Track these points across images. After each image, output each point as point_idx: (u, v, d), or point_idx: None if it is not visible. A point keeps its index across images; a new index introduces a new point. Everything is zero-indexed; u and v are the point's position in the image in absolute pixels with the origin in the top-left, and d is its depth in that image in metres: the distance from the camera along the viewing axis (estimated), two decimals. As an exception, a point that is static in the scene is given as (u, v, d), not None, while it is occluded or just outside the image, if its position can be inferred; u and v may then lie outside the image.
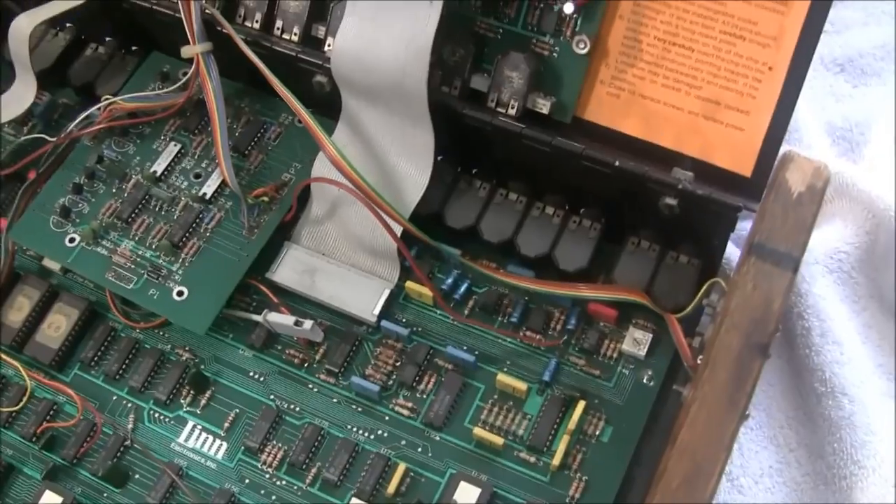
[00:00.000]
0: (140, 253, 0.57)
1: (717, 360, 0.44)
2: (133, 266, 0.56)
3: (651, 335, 0.54)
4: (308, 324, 0.53)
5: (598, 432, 0.52)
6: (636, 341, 0.54)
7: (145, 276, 0.56)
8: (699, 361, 0.46)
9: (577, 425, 0.52)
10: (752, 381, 0.44)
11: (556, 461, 0.51)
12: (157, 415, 0.55)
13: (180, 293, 0.55)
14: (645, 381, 0.53)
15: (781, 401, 0.57)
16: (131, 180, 0.59)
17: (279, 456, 0.53)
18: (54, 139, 0.60)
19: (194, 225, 0.57)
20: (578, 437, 0.52)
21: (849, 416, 0.54)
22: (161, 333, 0.57)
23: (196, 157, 0.60)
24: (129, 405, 0.55)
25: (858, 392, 0.55)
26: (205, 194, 0.58)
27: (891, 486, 0.52)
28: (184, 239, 0.56)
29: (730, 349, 0.44)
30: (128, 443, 0.54)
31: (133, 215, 0.58)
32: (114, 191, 0.59)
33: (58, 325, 0.56)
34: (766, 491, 0.54)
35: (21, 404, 0.55)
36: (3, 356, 0.56)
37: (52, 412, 0.55)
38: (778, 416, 0.57)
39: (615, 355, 0.54)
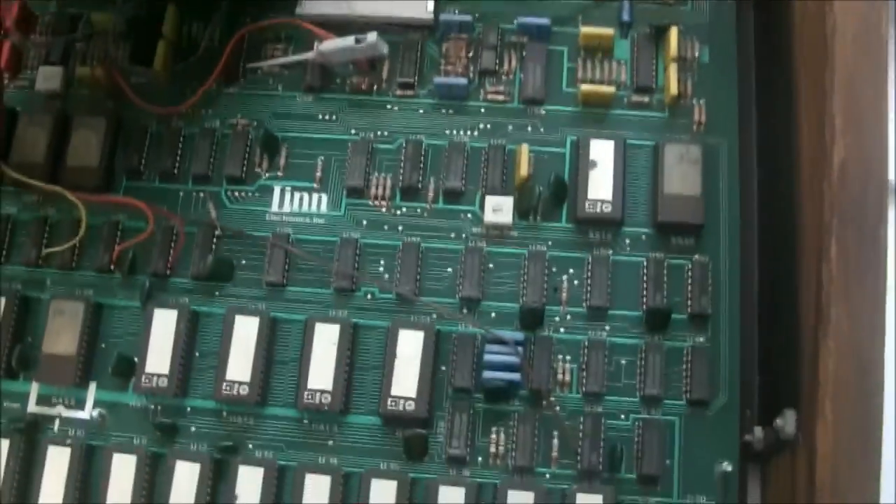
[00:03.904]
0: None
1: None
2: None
3: (712, -56, 0.51)
4: (372, 35, 0.48)
5: (697, 54, 0.50)
6: (698, -43, 0.51)
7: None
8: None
9: (678, 52, 0.49)
10: None
11: (672, 92, 0.48)
12: (236, 193, 0.49)
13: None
14: (721, -7, 0.51)
15: None
16: None
17: (388, 185, 0.48)
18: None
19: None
20: (681, 65, 0.49)
21: None
22: (203, 111, 0.50)
23: None
24: (202, 195, 0.49)
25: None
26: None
27: None
28: None
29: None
30: (218, 233, 0.48)
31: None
32: None
33: (87, 144, 0.49)
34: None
35: (79, 236, 0.48)
36: (43, 185, 0.48)
37: (118, 233, 0.49)
38: None
39: (682, -23, 0.51)
